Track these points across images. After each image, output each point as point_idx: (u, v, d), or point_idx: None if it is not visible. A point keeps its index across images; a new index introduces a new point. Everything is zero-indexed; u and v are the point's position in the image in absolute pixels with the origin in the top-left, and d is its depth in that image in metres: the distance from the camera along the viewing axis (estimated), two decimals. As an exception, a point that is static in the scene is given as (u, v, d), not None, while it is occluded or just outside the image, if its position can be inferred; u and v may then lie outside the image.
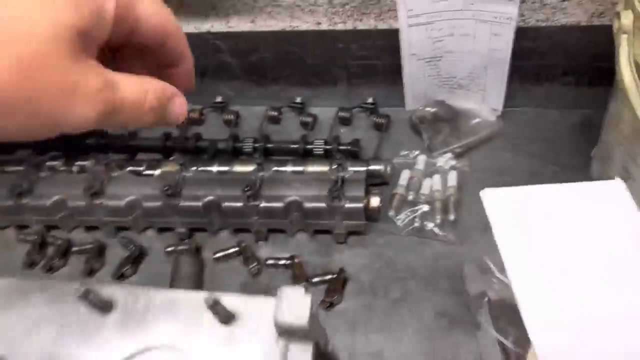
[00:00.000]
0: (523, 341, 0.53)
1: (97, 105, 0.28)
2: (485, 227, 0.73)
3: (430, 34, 0.75)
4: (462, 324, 0.65)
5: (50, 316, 0.31)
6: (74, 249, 0.80)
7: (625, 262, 0.44)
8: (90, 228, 0.82)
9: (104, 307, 0.31)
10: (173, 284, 0.50)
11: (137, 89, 0.31)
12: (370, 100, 0.89)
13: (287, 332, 0.28)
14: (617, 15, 0.51)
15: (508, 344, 0.52)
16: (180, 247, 0.77)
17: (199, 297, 0.31)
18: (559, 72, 0.81)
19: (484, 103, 0.84)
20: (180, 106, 0.35)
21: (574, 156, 0.79)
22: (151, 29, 0.32)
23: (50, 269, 0.78)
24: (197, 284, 0.48)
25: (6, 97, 0.25)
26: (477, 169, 0.80)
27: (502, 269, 0.52)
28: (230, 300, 0.29)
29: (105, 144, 0.90)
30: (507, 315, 0.53)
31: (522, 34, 0.75)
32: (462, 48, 0.77)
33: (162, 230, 0.80)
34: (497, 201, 0.45)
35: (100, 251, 0.79)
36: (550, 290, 0.43)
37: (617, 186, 0.46)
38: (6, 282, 0.32)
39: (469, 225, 0.74)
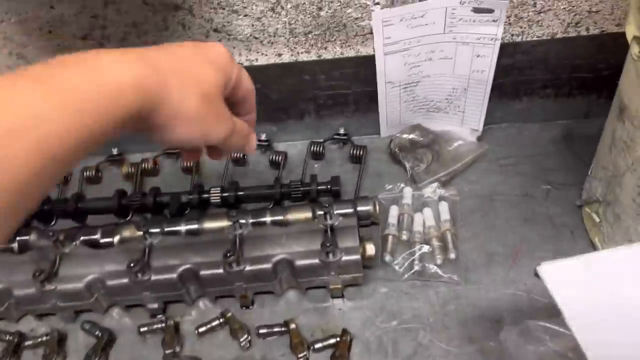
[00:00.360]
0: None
1: (229, 126, 0.45)
2: (487, 262, 0.69)
3: (407, 60, 0.70)
4: (484, 375, 0.60)
5: None
6: (27, 342, 0.68)
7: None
8: (42, 314, 0.71)
9: None
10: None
11: (241, 122, 0.48)
12: (342, 131, 0.83)
13: None
14: (637, 41, 0.47)
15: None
16: (155, 326, 0.68)
17: None
18: (538, 86, 0.78)
19: (463, 124, 0.80)
20: (254, 139, 0.51)
21: (563, 172, 0.77)
22: (245, 90, 0.48)
23: (0, 372, 0.66)
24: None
25: (195, 115, 0.41)
26: (466, 197, 0.76)
27: (546, 333, 0.46)
28: None
29: (49, 210, 0.78)
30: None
31: (500, 51, 0.71)
32: (441, 71, 0.72)
33: (129, 307, 0.70)
34: (559, 276, 0.39)
35: (59, 342, 0.68)
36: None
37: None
38: None
39: (470, 261, 0.69)
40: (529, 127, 0.82)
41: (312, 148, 0.82)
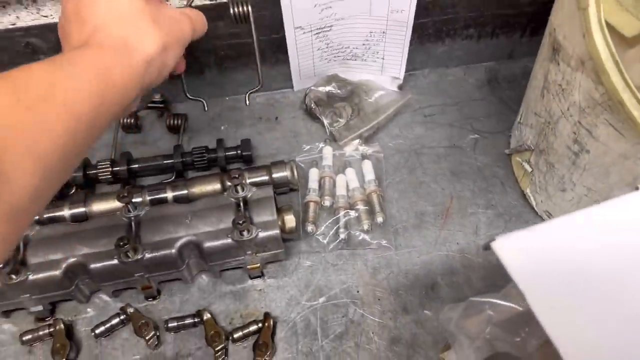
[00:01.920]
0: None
1: (189, 25, 0.49)
2: (418, 224, 0.63)
3: (317, 1, 0.60)
4: (421, 347, 0.56)
5: None
6: None
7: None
8: None
9: None
10: None
11: (195, 12, 0.51)
12: (157, 97, 0.72)
13: None
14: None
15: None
16: (41, 332, 0.57)
17: None
18: (460, 25, 0.71)
19: (384, 72, 0.72)
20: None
21: (490, 119, 0.72)
22: None
23: None
24: None
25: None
26: (391, 153, 0.69)
27: (493, 310, 0.41)
28: None
29: None
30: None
31: (421, -12, 0.63)
32: (356, 12, 0.63)
33: (6, 312, 0.59)
34: (513, 249, 0.33)
35: None
36: (588, 332, 0.33)
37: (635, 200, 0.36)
38: None
39: (400, 224, 0.64)
40: (453, 71, 0.77)
41: (122, 120, 0.71)
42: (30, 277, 0.54)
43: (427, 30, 0.71)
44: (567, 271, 0.36)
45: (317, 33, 0.65)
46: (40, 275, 0.55)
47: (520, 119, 0.63)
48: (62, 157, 0.33)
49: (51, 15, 0.62)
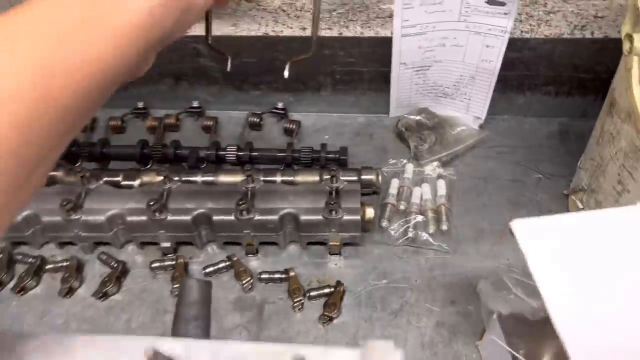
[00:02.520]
0: (534, 355, 0.54)
1: None
2: (476, 237, 0.75)
3: (422, 44, 0.75)
4: (461, 334, 0.66)
5: (104, 375, 0.28)
6: (48, 266, 0.74)
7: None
8: (63, 243, 0.77)
9: (167, 364, 0.28)
10: (180, 309, 0.47)
11: None
12: (280, 105, 0.89)
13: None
14: (628, 37, 0.52)
15: (520, 357, 0.53)
16: (166, 263, 0.74)
17: (267, 349, 0.29)
18: (540, 82, 0.83)
19: (468, 111, 0.85)
20: None
21: (555, 164, 0.82)
22: None
23: (21, 290, 0.72)
24: (207, 311, 0.45)
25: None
26: (463, 177, 0.82)
27: (516, 285, 0.52)
28: (311, 352, 0.27)
29: (75, 151, 0.84)
30: (519, 329, 0.54)
31: (509, 45, 0.77)
32: (452, 58, 0.77)
33: (143, 244, 0.76)
34: (529, 232, 0.45)
35: (77, 268, 0.74)
36: (587, 317, 0.43)
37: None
38: (44, 339, 0.29)
39: (461, 234, 0.75)
40: (529, 121, 0.88)
41: (250, 119, 0.88)
42: (169, 217, 0.72)
43: (510, 81, 0.83)
44: (579, 261, 0.46)
45: (417, 70, 0.80)
46: (175, 218, 0.72)
47: (580, 164, 0.74)
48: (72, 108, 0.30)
49: (216, 29, 0.82)
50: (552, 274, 0.45)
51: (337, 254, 0.74)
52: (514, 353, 0.53)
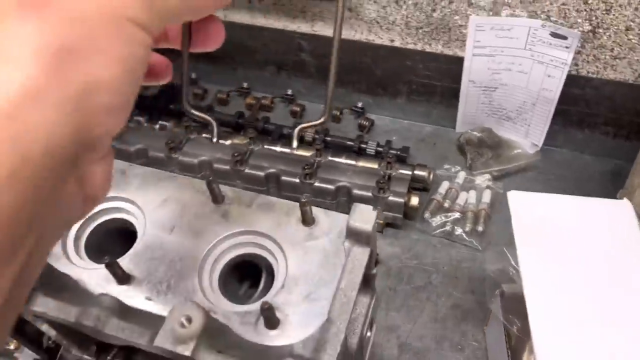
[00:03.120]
0: (526, 331, 0.61)
1: None
2: (509, 242, 0.82)
3: (491, 66, 0.85)
4: (473, 318, 0.74)
5: (176, 197, 0.41)
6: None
7: (626, 273, 0.52)
8: (160, 179, 0.93)
9: (217, 198, 0.41)
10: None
11: None
12: (360, 104, 1.01)
13: (354, 235, 0.38)
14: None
15: (513, 330, 0.60)
16: (236, 209, 0.88)
17: (288, 204, 0.40)
18: (600, 122, 0.90)
19: (527, 137, 0.93)
20: None
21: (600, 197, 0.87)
22: None
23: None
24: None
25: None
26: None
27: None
28: (315, 210, 0.39)
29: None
30: (517, 307, 0.62)
31: (573, 81, 0.84)
32: (516, 83, 0.86)
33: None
34: (521, 203, 0.53)
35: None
36: (556, 291, 0.50)
37: (625, 205, 0.54)
38: (145, 169, 0.43)
39: (494, 238, 0.83)
40: (584, 157, 0.94)
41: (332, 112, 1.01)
42: (246, 170, 0.86)
43: (571, 116, 0.90)
44: (562, 239, 0.53)
45: (484, 90, 0.89)
46: (252, 172, 0.86)
47: (618, 195, 0.79)
48: None
49: (320, 30, 0.97)
50: (534, 247, 0.53)
51: (379, 232, 0.85)
52: (508, 325, 0.61)
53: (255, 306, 0.36)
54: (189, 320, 0.31)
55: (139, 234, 0.40)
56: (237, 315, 0.36)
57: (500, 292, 0.63)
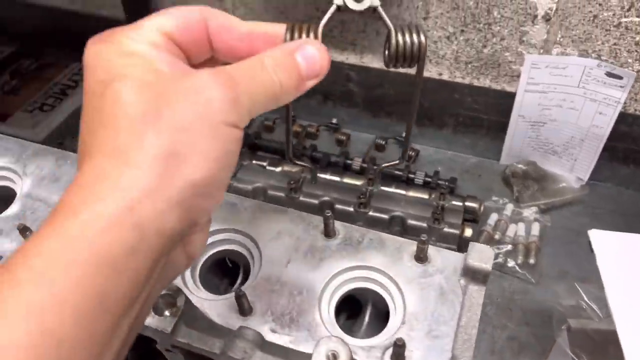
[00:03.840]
0: (595, 366, 0.62)
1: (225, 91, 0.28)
2: (560, 275, 0.83)
3: (542, 102, 0.87)
4: (529, 350, 0.74)
5: (291, 230, 0.43)
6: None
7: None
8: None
9: (330, 232, 0.42)
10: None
11: (247, 64, 0.30)
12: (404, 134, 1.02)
13: (471, 274, 0.39)
14: None
15: (582, 366, 0.61)
16: (288, 235, 0.89)
17: (400, 240, 0.42)
18: (646, 158, 0.92)
19: (572, 171, 0.95)
20: (310, 56, 0.31)
21: (648, 233, 0.89)
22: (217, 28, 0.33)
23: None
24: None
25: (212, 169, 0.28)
26: (557, 226, 0.90)
27: (591, 298, 0.61)
28: (430, 248, 0.40)
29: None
30: (584, 341, 0.63)
31: (621, 118, 0.86)
32: (566, 119, 0.88)
33: (273, 218, 0.92)
34: (604, 243, 0.55)
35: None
36: None
37: None
38: (254, 202, 0.44)
39: (546, 271, 0.84)
40: (629, 193, 0.96)
41: (376, 140, 1.03)
42: (301, 197, 0.87)
43: (617, 152, 0.92)
44: None
45: (532, 124, 0.92)
46: (306, 200, 0.87)
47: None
48: None
49: (368, 62, 1.00)
50: (625, 291, 0.54)
51: (431, 262, 0.86)
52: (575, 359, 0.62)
53: (377, 341, 0.38)
54: (335, 356, 0.32)
55: (255, 267, 0.42)
56: (363, 350, 0.37)
57: (567, 327, 0.64)
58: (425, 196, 0.90)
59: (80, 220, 0.25)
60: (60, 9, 1.20)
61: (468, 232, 0.84)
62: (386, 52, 0.33)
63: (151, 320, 0.34)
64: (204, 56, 0.33)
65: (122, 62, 0.28)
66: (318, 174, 0.94)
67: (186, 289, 0.40)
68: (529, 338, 0.76)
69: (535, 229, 0.88)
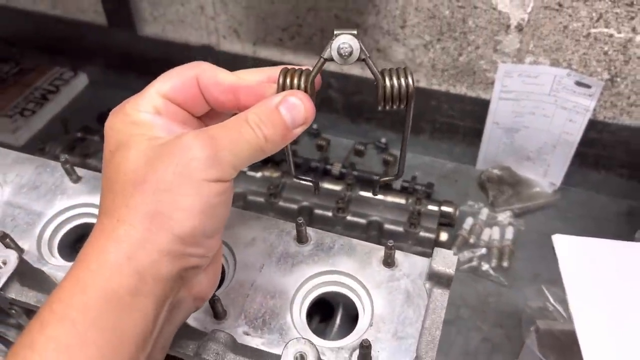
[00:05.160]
0: (562, 366, 0.64)
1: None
2: (533, 278, 0.85)
3: (515, 109, 0.90)
4: (503, 351, 0.77)
5: (265, 237, 0.44)
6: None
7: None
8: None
9: (303, 239, 0.44)
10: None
11: (232, 122, 0.32)
12: (383, 140, 1.05)
13: (436, 278, 0.41)
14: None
15: (549, 365, 0.63)
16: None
17: (370, 246, 0.43)
18: (615, 164, 0.94)
19: (545, 177, 0.98)
20: (293, 107, 0.33)
21: (618, 237, 0.91)
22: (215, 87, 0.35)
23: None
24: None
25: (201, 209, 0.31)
26: (531, 230, 0.93)
27: (557, 300, 0.64)
28: (397, 253, 0.42)
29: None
30: (552, 342, 0.65)
31: (591, 125, 0.89)
32: (538, 126, 0.91)
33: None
34: (566, 247, 0.57)
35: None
36: (607, 332, 0.53)
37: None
38: (237, 211, 0.46)
39: (519, 274, 0.86)
40: (599, 197, 0.98)
41: (356, 146, 1.05)
42: (280, 202, 0.89)
43: (588, 158, 0.95)
44: (613, 286, 0.57)
45: (507, 131, 0.94)
46: (285, 204, 0.89)
47: (637, 234, 0.83)
48: None
49: (348, 70, 1.01)
50: (585, 293, 0.56)
51: (408, 265, 0.88)
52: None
53: (346, 342, 0.39)
54: (303, 357, 0.33)
55: (229, 272, 0.43)
56: (331, 351, 0.38)
57: (536, 328, 0.66)
58: (403, 201, 0.92)
59: (90, 270, 0.30)
60: (41, 14, 1.20)
61: (444, 236, 0.86)
62: (378, 94, 0.36)
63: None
64: (204, 109, 0.36)
65: (128, 131, 0.33)
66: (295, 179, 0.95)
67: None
68: (502, 339, 0.78)
69: (509, 232, 0.91)
